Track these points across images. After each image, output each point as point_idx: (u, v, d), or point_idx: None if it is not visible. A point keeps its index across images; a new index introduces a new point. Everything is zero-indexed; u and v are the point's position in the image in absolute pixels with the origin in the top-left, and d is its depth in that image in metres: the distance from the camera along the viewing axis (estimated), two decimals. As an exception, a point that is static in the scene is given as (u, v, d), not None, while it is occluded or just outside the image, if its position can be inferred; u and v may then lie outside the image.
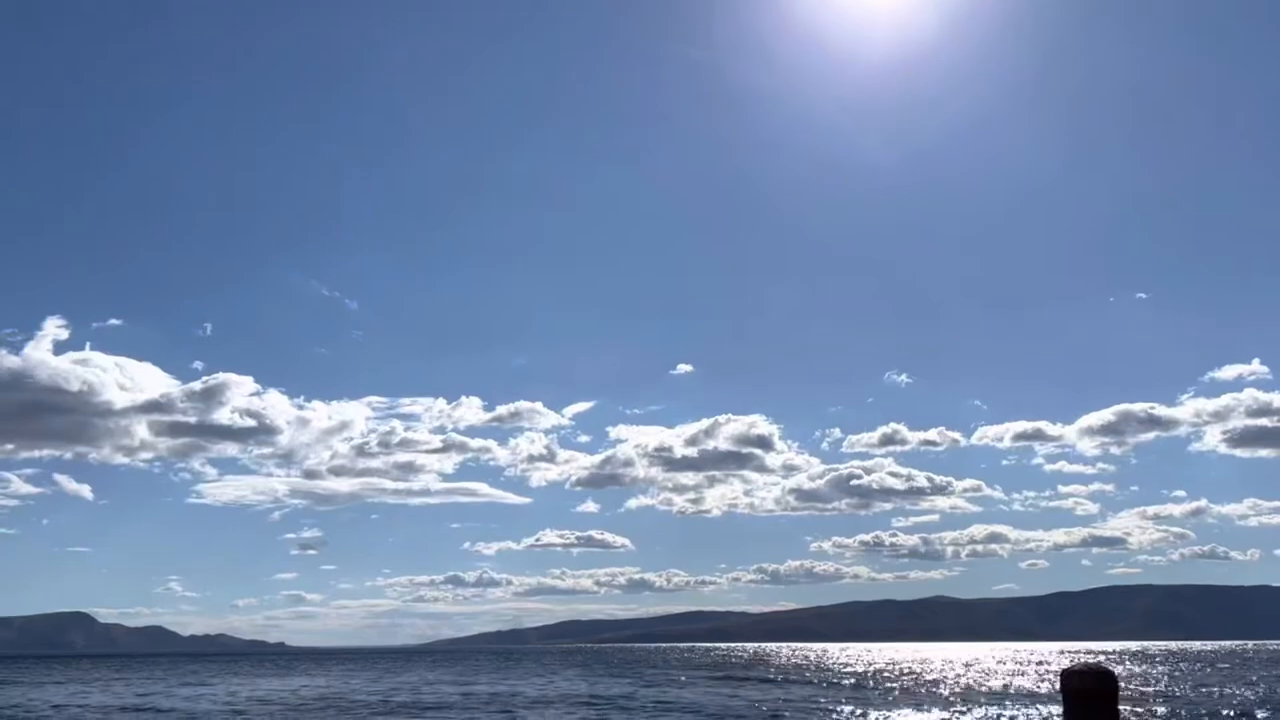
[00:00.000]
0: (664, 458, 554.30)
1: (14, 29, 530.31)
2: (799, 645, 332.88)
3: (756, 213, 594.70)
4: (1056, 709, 34.99)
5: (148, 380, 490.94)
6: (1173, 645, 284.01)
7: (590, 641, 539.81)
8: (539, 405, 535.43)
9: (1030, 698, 48.29)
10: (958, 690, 55.47)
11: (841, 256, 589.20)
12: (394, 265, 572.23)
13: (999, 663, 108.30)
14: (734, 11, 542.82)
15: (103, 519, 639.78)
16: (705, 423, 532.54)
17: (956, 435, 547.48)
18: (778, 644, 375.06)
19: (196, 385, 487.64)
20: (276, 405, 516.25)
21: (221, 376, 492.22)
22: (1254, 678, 70.00)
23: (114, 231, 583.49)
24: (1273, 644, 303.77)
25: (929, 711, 40.43)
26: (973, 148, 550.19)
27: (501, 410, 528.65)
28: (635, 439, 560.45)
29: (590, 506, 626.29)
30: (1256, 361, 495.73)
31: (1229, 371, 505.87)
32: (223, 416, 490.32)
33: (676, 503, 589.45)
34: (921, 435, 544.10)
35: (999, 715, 38.34)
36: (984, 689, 56.56)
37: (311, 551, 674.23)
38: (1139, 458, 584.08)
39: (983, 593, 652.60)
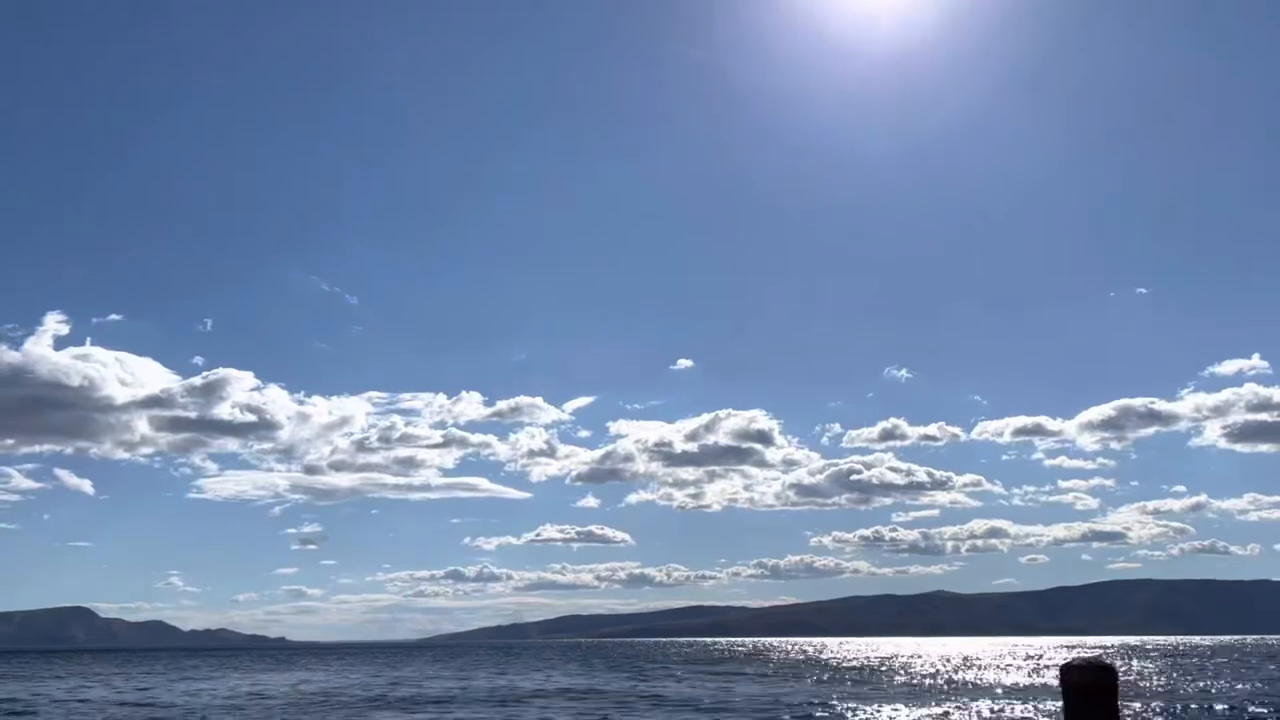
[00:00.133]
0: (664, 453, 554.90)
1: (15, 27, 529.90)
2: (799, 640, 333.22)
3: (756, 209, 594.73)
4: (1056, 704, 34.99)
5: (148, 375, 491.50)
6: (1172, 640, 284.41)
7: (590, 636, 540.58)
8: (539, 400, 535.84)
9: (1030, 692, 48.30)
10: (958, 685, 55.48)
11: (841, 252, 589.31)
12: (394, 261, 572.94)
13: (998, 657, 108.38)
14: (733, 10, 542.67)
15: (103, 514, 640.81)
16: (705, 418, 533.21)
17: (956, 430, 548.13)
18: (777, 639, 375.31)
19: (197, 380, 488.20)
20: (277, 400, 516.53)
21: (222, 372, 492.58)
22: (1252, 672, 70.05)
23: (114, 227, 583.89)
24: (1272, 638, 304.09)
25: (930, 707, 40.43)
26: (973, 143, 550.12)
27: (502, 405, 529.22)
28: (635, 434, 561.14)
29: (590, 501, 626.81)
30: (1256, 356, 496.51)
31: (1229, 366, 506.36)
32: (223, 412, 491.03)
33: (677, 498, 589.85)
34: (921, 430, 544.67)
35: (999, 710, 38.33)
36: (984, 684, 56.57)
37: (312, 546, 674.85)
38: (1139, 453, 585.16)
39: (983, 587, 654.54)
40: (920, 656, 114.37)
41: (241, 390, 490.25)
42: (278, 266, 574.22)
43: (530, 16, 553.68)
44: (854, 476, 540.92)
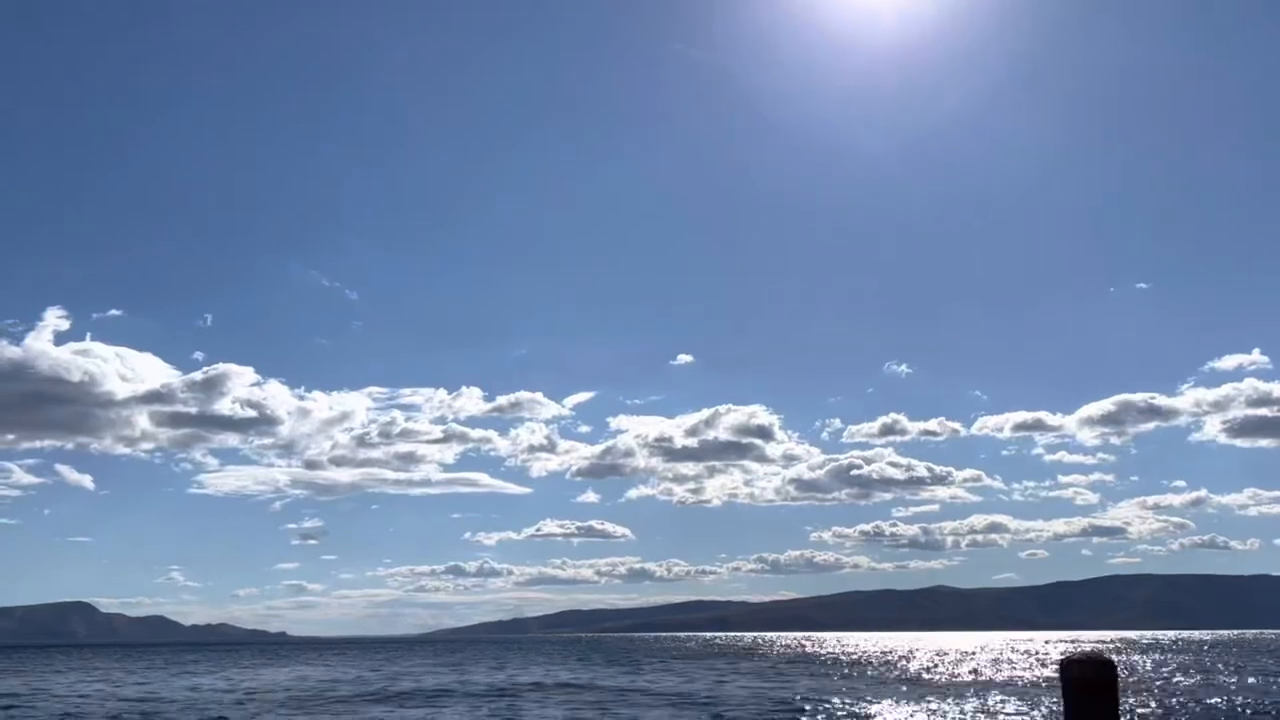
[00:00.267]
0: (664, 448, 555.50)
1: (15, 25, 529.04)
2: (798, 634, 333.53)
3: (756, 205, 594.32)
4: (1056, 698, 34.86)
5: (148, 371, 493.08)
6: (1172, 634, 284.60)
7: (591, 631, 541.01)
8: (539, 396, 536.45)
9: (1030, 687, 48.29)
10: (958, 679, 55.48)
11: (841, 248, 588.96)
12: (394, 256, 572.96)
13: (998, 652, 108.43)
14: (732, 7, 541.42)
15: (104, 509, 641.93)
16: (705, 413, 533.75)
17: (956, 425, 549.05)
18: (777, 633, 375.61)
19: (197, 376, 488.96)
20: (277, 396, 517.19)
21: (222, 367, 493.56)
22: (1251, 667, 70.06)
23: (114, 223, 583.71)
24: (1271, 633, 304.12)
25: (930, 701, 40.41)
26: (972, 139, 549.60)
27: (502, 400, 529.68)
28: (636, 429, 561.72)
29: (591, 496, 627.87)
30: (1257, 351, 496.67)
31: (1229, 361, 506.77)
32: (223, 407, 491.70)
33: (677, 493, 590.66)
34: (921, 425, 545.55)
35: (998, 704, 38.31)
36: (984, 678, 56.56)
37: (312, 541, 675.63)
38: (1139, 448, 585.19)
39: (983, 582, 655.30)
40: (916, 651, 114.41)
41: (242, 386, 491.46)
42: (278, 262, 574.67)
43: (529, 16, 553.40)
44: (854, 472, 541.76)
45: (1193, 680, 54.31)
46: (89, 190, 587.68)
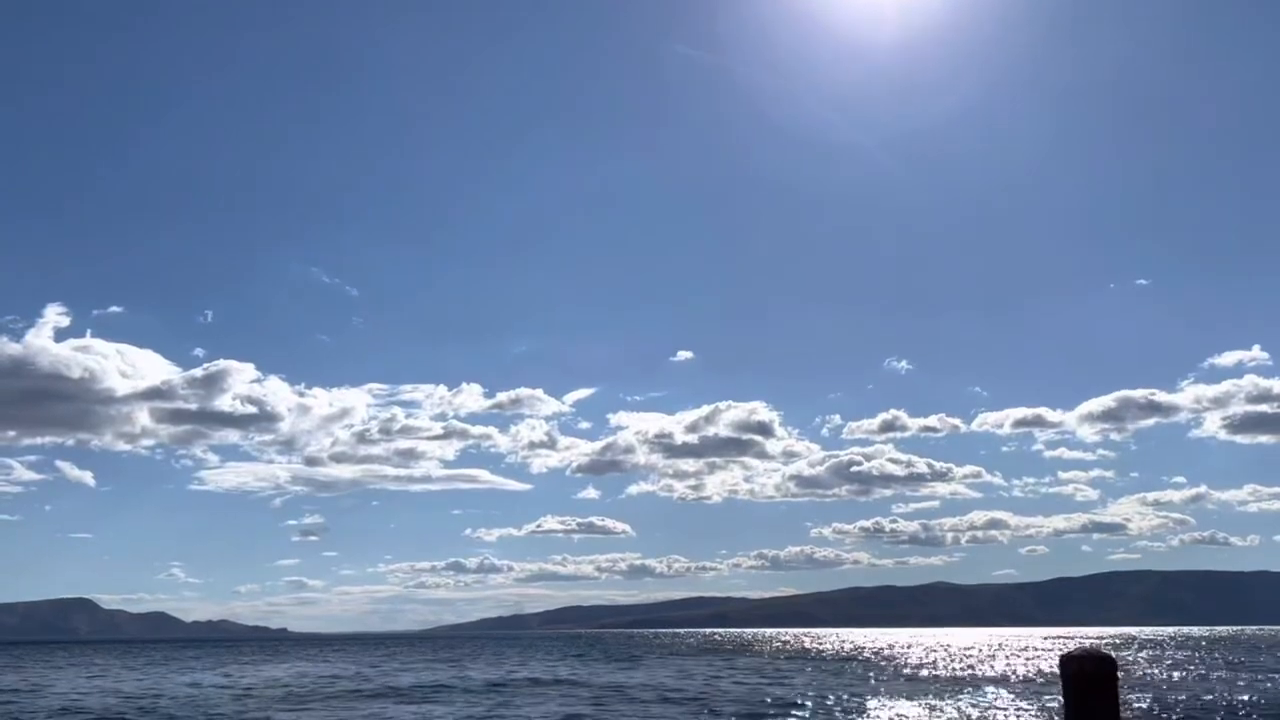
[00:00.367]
0: (664, 444, 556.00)
1: (16, 20, 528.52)
2: (798, 630, 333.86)
3: (756, 201, 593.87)
4: (1056, 693, 34.90)
5: (149, 367, 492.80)
6: (1172, 630, 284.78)
7: (591, 627, 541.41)
8: (540, 392, 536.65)
9: (1030, 682, 48.28)
10: (955, 675, 55.47)
11: (841, 244, 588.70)
12: (395, 253, 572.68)
13: (998, 647, 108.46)
14: (732, 5, 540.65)
15: (105, 505, 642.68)
16: (706, 409, 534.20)
17: (957, 421, 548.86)
18: (777, 629, 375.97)
19: (198, 372, 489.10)
20: (277, 392, 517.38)
21: (222, 363, 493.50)
22: (1252, 664, 70.04)
23: (115, 219, 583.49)
24: (1271, 629, 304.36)
25: (927, 698, 40.39)
26: (972, 135, 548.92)
27: (502, 397, 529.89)
28: (636, 425, 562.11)
29: (591, 493, 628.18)
30: (1257, 347, 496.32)
31: (1229, 357, 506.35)
32: (224, 403, 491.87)
33: (677, 489, 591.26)
34: (922, 422, 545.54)
35: (999, 699, 38.30)
36: (984, 673, 56.57)
37: (313, 538, 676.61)
38: (1139, 444, 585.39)
39: (983, 578, 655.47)
40: (915, 647, 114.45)
41: (242, 382, 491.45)
42: (278, 258, 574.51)
43: (530, 14, 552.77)
44: (854, 468, 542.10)
45: (1192, 676, 54.31)
46: (89, 187, 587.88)
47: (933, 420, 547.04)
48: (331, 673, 67.14)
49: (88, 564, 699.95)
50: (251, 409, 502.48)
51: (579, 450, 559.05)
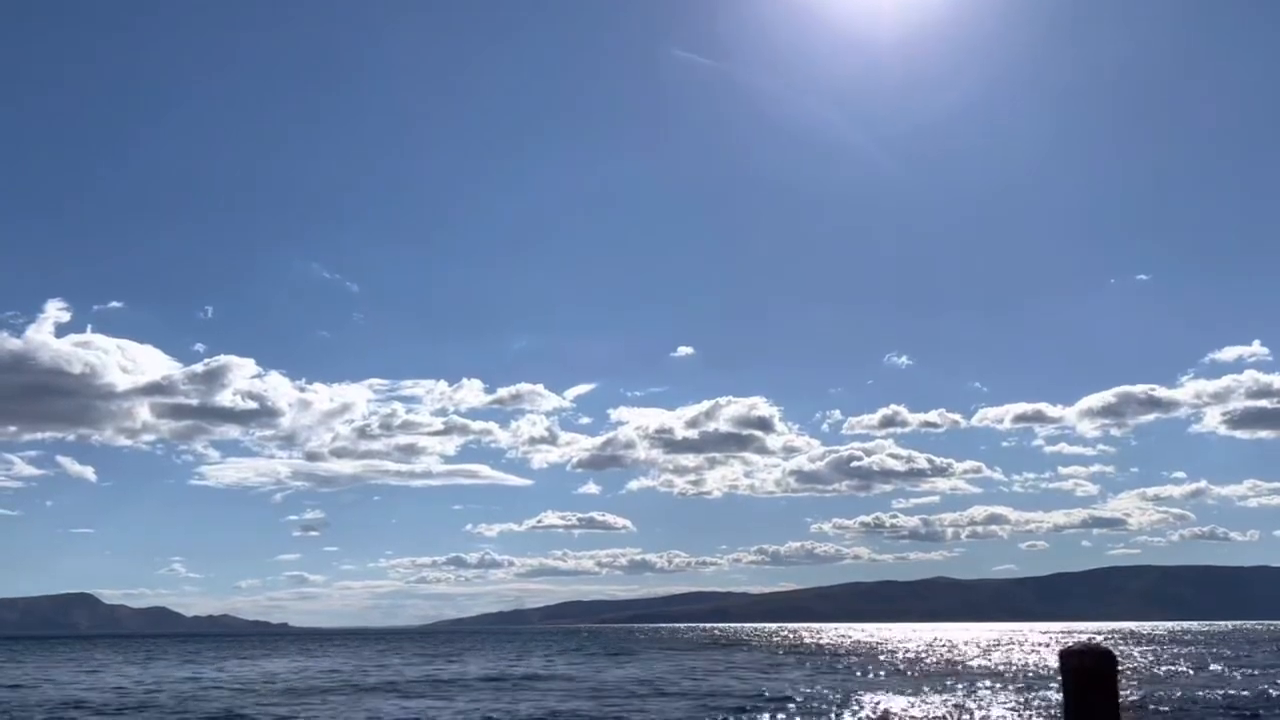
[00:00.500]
0: (665, 439, 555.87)
1: (17, 18, 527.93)
2: (798, 625, 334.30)
3: (756, 197, 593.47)
4: (1056, 688, 34.84)
5: (149, 362, 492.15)
6: (1172, 626, 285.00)
7: (591, 622, 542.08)
8: (540, 387, 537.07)
9: (1030, 677, 48.30)
10: (956, 669, 55.50)
11: (841, 239, 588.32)
12: (395, 248, 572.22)
13: (998, 643, 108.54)
14: (731, 5, 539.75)
15: (106, 500, 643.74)
16: (706, 405, 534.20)
17: (957, 417, 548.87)
18: (777, 624, 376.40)
19: (198, 367, 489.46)
20: (278, 387, 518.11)
21: (223, 359, 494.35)
22: (1252, 659, 70.09)
23: (115, 215, 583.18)
24: (1268, 623, 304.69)
25: (929, 693, 40.40)
26: (973, 131, 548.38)
27: (503, 392, 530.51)
28: (636, 421, 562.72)
29: (591, 488, 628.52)
30: (1257, 343, 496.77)
31: (1229, 353, 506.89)
32: (224, 399, 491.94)
33: (677, 484, 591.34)
34: (922, 417, 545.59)
35: (999, 694, 38.31)
36: (983, 668, 56.60)
37: (314, 533, 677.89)
38: (1139, 439, 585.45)
39: (983, 573, 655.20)
40: (914, 642, 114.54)
41: (243, 377, 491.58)
42: (279, 254, 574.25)
43: (531, 14, 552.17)
44: (854, 463, 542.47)
45: (1190, 671, 54.33)
46: (90, 183, 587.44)
47: (933, 415, 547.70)
48: (332, 667, 67.21)
49: (89, 559, 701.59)
50: (252, 404, 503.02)
51: (579, 446, 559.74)
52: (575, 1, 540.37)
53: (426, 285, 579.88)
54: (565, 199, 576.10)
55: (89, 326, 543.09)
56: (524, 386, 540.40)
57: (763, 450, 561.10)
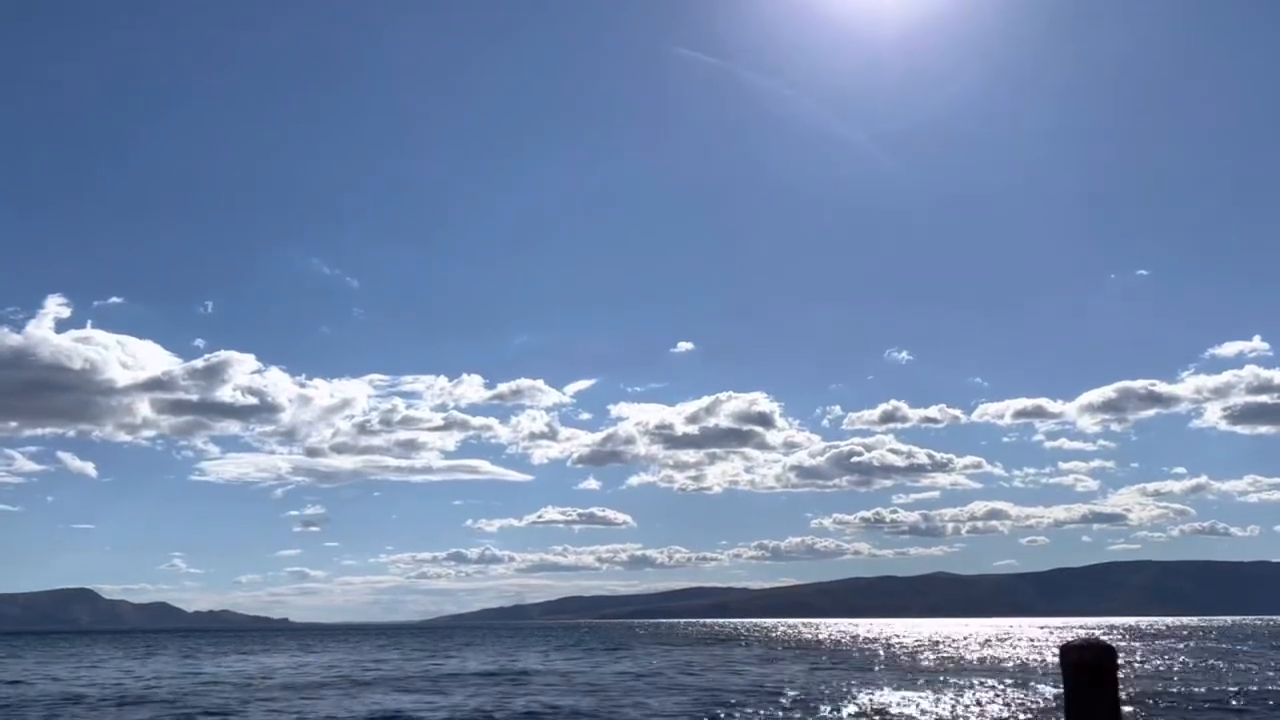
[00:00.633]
0: (665, 435, 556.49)
1: (17, 14, 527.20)
2: (798, 621, 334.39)
3: (756, 192, 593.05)
4: (1057, 682, 34.71)
5: (150, 358, 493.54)
6: (1172, 621, 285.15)
7: (592, 617, 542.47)
8: (540, 383, 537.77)
9: (1030, 672, 48.24)
10: (956, 664, 55.46)
11: (841, 235, 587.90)
12: (395, 244, 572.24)
13: (998, 638, 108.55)
14: (731, 3, 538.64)
15: (106, 496, 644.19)
16: (706, 400, 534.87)
17: (957, 412, 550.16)
18: (777, 619, 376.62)
19: (198, 363, 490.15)
20: (278, 383, 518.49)
21: (223, 354, 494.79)
22: (1253, 653, 70.05)
23: (115, 210, 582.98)
24: (1268, 618, 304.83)
25: (929, 687, 40.32)
26: (973, 126, 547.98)
27: (503, 388, 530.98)
28: (636, 416, 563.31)
29: (592, 484, 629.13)
30: (1257, 338, 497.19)
31: (1230, 348, 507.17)
32: (225, 394, 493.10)
33: (678, 480, 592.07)
34: (922, 412, 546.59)
35: (999, 689, 38.23)
36: (984, 663, 56.55)
37: (314, 528, 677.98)
38: (1139, 434, 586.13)
39: (983, 569, 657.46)
40: (914, 637, 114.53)
41: (243, 373, 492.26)
42: (279, 249, 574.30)
43: (531, 12, 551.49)
44: (855, 458, 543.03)
45: (1190, 666, 54.28)
46: (90, 179, 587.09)
47: (933, 411, 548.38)
48: (331, 662, 67.19)
49: (89, 554, 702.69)
50: (252, 400, 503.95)
51: (580, 441, 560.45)
52: (576, 2, 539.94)
53: (427, 281, 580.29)
54: (565, 195, 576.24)
55: (89, 322, 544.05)
56: (524, 382, 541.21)
57: (763, 446, 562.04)
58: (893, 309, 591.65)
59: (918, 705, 32.63)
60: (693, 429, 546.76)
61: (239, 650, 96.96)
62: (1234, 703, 33.28)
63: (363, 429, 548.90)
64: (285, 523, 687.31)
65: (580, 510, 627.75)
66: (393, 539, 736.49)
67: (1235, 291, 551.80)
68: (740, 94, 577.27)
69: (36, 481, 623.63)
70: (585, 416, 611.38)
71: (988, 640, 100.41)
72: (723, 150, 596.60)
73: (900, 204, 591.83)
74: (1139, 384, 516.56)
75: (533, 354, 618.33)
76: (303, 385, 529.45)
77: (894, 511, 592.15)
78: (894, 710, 31.33)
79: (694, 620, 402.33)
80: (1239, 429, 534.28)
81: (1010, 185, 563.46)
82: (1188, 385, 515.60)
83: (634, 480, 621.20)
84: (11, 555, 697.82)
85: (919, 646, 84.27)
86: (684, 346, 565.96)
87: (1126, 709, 28.48)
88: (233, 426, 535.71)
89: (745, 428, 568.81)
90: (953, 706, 32.20)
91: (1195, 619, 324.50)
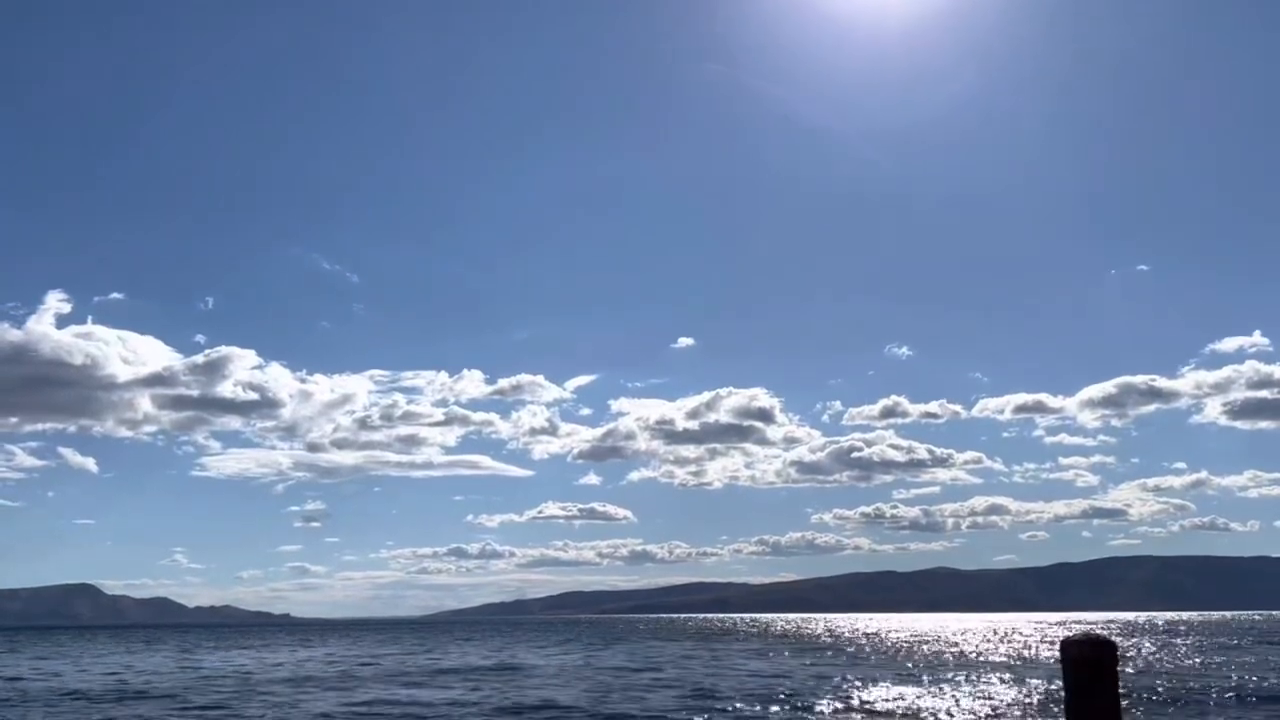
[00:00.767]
0: (665, 430, 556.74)
1: (18, 8, 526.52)
2: (798, 616, 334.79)
3: (756, 188, 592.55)
4: (1057, 678, 34.66)
5: (150, 353, 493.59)
6: (1172, 616, 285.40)
7: (592, 612, 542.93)
8: (541, 378, 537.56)
9: (1030, 667, 48.25)
10: (956, 658, 55.48)
11: (841, 230, 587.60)
12: (396, 239, 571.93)
13: (998, 633, 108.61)
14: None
15: (107, 491, 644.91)
16: (706, 396, 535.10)
17: (957, 408, 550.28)
18: (777, 614, 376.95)
19: (199, 358, 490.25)
20: (279, 378, 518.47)
21: (224, 350, 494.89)
22: (1253, 648, 70.07)
23: (116, 206, 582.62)
24: (1265, 612, 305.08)
25: (928, 682, 40.32)
26: (973, 122, 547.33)
27: (503, 383, 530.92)
28: (637, 412, 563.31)
29: (592, 479, 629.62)
30: (1258, 333, 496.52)
31: (1230, 343, 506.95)
32: (225, 390, 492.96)
33: (678, 475, 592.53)
34: (922, 407, 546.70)
35: (999, 684, 38.23)
36: (984, 658, 56.58)
37: (315, 524, 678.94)
38: (1139, 430, 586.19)
39: (983, 564, 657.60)
40: (913, 632, 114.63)
41: (243, 368, 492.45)
42: (279, 245, 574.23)
43: (529, 11, 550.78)
44: (855, 454, 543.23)
45: (1190, 661, 54.30)
46: (91, 174, 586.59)
47: (933, 406, 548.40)
48: (333, 657, 67.28)
49: (91, 550, 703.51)
50: (253, 395, 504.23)
51: (580, 436, 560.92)
52: (576, 6, 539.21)
53: (427, 276, 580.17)
54: (566, 191, 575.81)
55: (90, 318, 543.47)
56: (524, 377, 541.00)
57: (763, 441, 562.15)
58: (893, 304, 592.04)
59: (916, 700, 32.61)
60: (693, 424, 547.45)
61: (240, 645, 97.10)
62: (1233, 698, 33.28)
63: (363, 424, 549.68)
64: (286, 518, 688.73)
65: (581, 505, 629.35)
66: (393, 534, 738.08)
67: (1235, 287, 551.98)
68: (740, 91, 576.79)
69: (38, 477, 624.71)
70: (586, 412, 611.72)
71: (987, 635, 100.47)
72: (723, 147, 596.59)
73: (900, 200, 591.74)
74: (1139, 379, 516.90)
75: (533, 349, 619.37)
76: (303, 381, 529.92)
77: (894, 507, 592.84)
78: (893, 705, 31.31)
79: (694, 615, 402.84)
80: (1239, 424, 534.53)
81: (1010, 181, 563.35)
82: (1188, 380, 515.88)
83: (634, 475, 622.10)
84: (13, 551, 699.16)
85: (919, 641, 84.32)
86: (684, 342, 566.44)
87: (1126, 704, 28.47)
88: (234, 422, 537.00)
89: (745, 423, 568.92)
90: (952, 702, 32.18)
91: (1195, 614, 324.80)
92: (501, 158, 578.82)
